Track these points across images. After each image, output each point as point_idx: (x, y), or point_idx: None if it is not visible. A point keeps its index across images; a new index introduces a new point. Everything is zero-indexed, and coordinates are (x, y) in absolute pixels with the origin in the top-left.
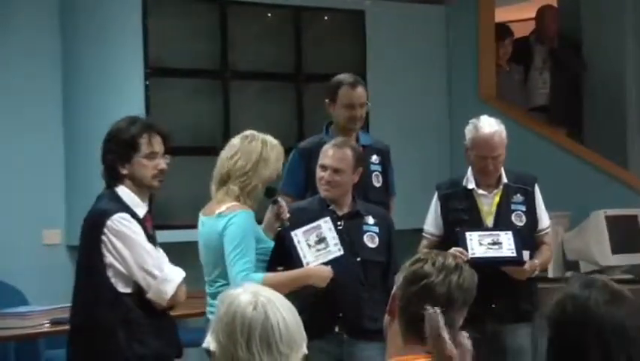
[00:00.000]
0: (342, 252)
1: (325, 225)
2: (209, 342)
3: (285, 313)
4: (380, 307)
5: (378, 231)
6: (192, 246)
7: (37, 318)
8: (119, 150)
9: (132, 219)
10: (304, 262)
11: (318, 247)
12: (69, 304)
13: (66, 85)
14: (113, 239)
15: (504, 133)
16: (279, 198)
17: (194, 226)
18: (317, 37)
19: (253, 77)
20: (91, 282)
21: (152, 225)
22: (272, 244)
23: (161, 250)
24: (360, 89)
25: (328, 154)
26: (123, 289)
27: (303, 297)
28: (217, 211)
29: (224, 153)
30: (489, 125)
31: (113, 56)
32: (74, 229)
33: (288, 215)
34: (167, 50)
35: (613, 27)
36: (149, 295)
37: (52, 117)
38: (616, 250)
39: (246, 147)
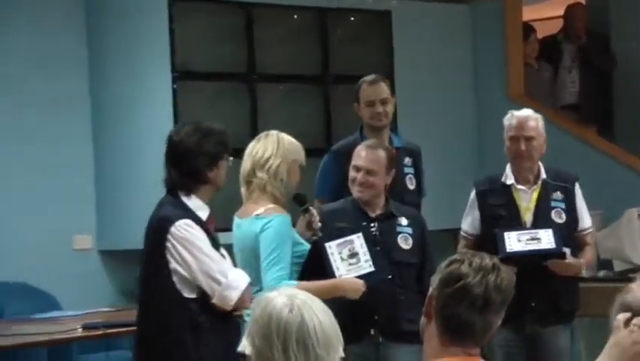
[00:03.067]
0: (372, 268)
1: (357, 240)
2: (245, 346)
3: (321, 316)
4: (416, 309)
5: (411, 232)
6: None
7: (70, 323)
8: (215, 152)
9: (195, 225)
10: (337, 274)
11: (350, 260)
12: (103, 309)
13: (94, 91)
14: (177, 245)
15: (541, 122)
16: (311, 208)
17: (225, 229)
18: (343, 39)
19: (280, 80)
20: (157, 288)
21: (214, 226)
22: (307, 246)
23: (225, 252)
24: (379, 86)
25: (361, 155)
26: (188, 294)
27: (339, 301)
28: (255, 213)
29: (245, 156)
30: (525, 110)
31: (140, 60)
32: (105, 234)
33: (319, 224)
34: (193, 53)
35: None
36: (214, 301)
37: (81, 122)
38: None
39: (263, 142)
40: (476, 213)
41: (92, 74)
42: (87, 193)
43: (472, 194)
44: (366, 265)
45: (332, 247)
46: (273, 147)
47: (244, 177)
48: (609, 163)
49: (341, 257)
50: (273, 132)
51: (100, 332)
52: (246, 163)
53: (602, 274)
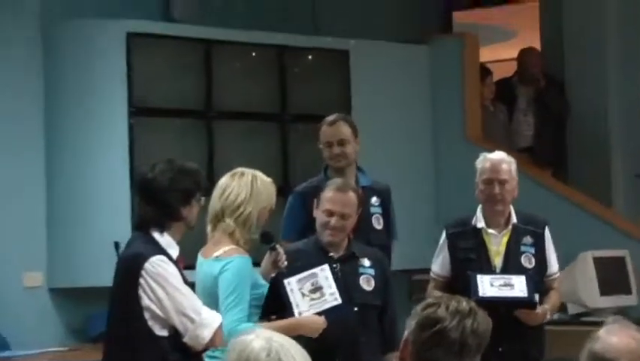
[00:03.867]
0: (339, 301)
1: (322, 273)
2: None
3: (298, 360)
4: (376, 351)
5: (374, 273)
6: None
7: None
8: (189, 190)
9: (169, 262)
10: (296, 311)
11: (312, 295)
12: (53, 349)
13: (48, 124)
14: (151, 282)
15: (514, 166)
16: (277, 246)
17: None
18: (302, 77)
19: (238, 117)
20: (128, 325)
21: (184, 265)
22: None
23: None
24: (336, 126)
25: (333, 199)
26: (160, 332)
27: (301, 341)
28: (215, 254)
29: (215, 193)
30: (498, 153)
31: (96, 95)
32: (56, 271)
33: (285, 263)
34: (151, 89)
35: (596, 67)
36: (186, 339)
37: (34, 157)
38: (604, 291)
39: (237, 182)
40: (446, 256)
41: (47, 108)
42: (38, 230)
43: (443, 236)
44: (331, 299)
45: (291, 283)
46: (246, 193)
47: (212, 218)
48: (564, 206)
49: (302, 293)
50: (248, 172)
51: None
52: (216, 204)
53: (556, 317)
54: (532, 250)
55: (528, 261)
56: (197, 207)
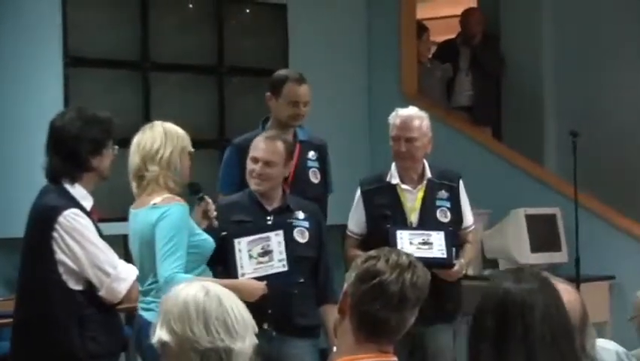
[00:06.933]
0: (286, 268)
1: (275, 238)
2: (160, 336)
3: (236, 301)
4: (310, 303)
5: (308, 226)
6: (109, 240)
7: None
8: (99, 140)
9: (84, 215)
10: (240, 272)
11: (260, 259)
12: None
13: None
14: (65, 236)
15: (426, 122)
16: (206, 196)
17: (112, 219)
18: (239, 30)
19: (174, 69)
20: (41, 279)
21: (98, 217)
22: (205, 236)
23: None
24: (305, 87)
25: (259, 147)
26: (74, 286)
27: None
28: (152, 202)
29: (131, 150)
30: (410, 109)
31: (30, 44)
32: None
33: (215, 213)
34: (86, 39)
35: (530, 24)
36: (101, 293)
37: None
38: (535, 248)
39: (149, 133)
40: (362, 213)
41: None
42: None
43: (358, 193)
44: (279, 265)
45: (241, 243)
46: (161, 137)
47: (134, 173)
48: (497, 163)
49: (250, 255)
50: (157, 122)
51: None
52: (135, 157)
53: (487, 273)
54: (448, 204)
55: (444, 215)
56: (109, 157)
